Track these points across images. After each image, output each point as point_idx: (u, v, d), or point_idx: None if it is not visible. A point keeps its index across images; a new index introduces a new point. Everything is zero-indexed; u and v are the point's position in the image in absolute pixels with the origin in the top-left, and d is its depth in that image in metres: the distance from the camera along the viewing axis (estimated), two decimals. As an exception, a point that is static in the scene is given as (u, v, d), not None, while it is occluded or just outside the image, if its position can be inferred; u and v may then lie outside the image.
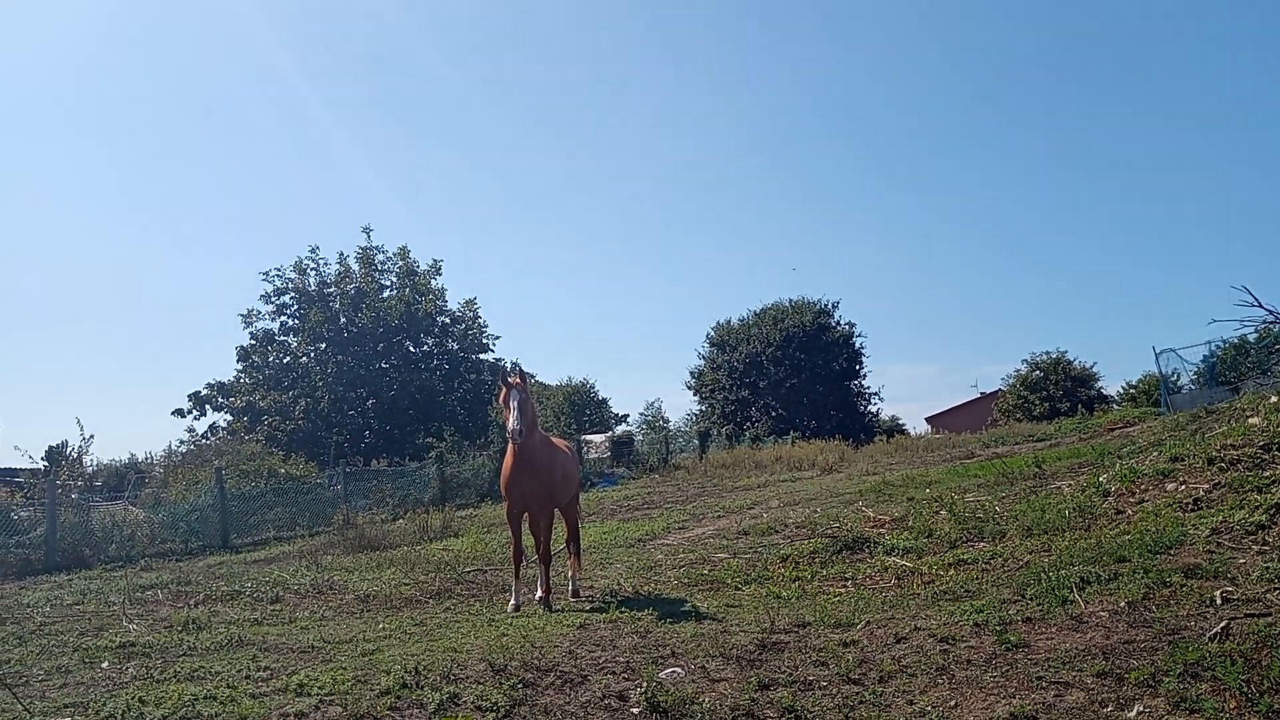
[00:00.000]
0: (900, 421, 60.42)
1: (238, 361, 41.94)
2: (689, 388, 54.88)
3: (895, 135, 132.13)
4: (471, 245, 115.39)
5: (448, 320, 44.32)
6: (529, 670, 6.36)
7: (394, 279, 43.64)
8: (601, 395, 61.83)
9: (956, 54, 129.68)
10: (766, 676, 6.07)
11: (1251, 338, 27.11)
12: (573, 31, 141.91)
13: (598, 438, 52.98)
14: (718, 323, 54.13)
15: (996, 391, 53.52)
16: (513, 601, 9.45)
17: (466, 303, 45.03)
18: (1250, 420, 12.51)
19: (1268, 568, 7.00)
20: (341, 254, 42.89)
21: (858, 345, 52.74)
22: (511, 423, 8.97)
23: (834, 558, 10.73)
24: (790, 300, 52.72)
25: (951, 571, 8.95)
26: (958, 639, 6.55)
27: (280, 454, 33.24)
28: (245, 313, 41.85)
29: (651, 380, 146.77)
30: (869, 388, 54.60)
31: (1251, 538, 7.97)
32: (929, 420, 63.50)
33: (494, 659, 6.54)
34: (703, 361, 54.71)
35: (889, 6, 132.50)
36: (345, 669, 6.52)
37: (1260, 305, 21.23)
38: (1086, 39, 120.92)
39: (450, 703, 5.65)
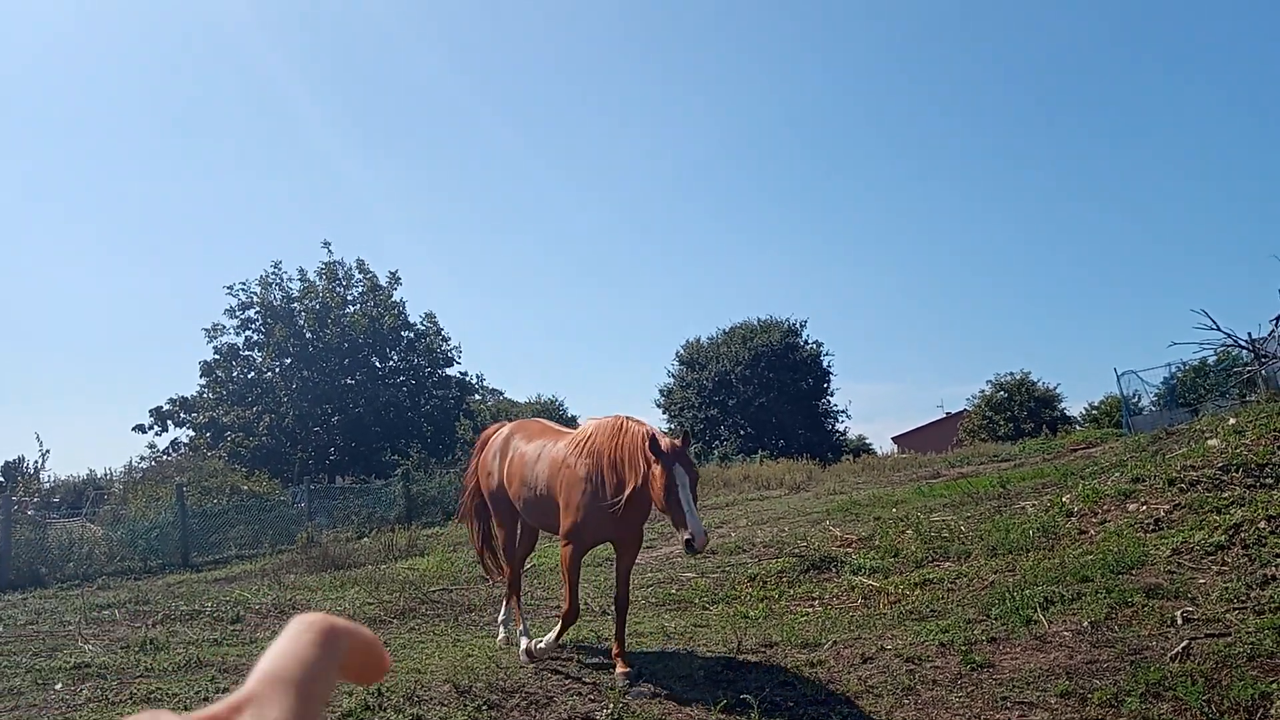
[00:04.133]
0: (867, 441, 60.86)
1: (201, 376, 41.36)
2: (658, 406, 54.98)
3: (865, 154, 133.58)
4: (430, 258, 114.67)
5: (412, 335, 44.02)
6: (494, 692, 6.30)
7: (357, 293, 43.36)
8: (570, 413, 61.78)
9: (927, 71, 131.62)
10: (733, 697, 6.06)
11: (1211, 360, 27.65)
12: (540, 42, 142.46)
13: (566, 456, 52.81)
14: (687, 341, 54.38)
15: (962, 411, 54.06)
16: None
17: (427, 316, 44.76)
18: (1209, 442, 12.72)
19: (1227, 588, 7.11)
20: (302, 270, 42.58)
21: (826, 364, 53.20)
22: (688, 526, 5.86)
23: (801, 577, 10.73)
24: (759, 319, 53.06)
25: (917, 591, 8.99)
26: (924, 659, 6.57)
27: (244, 471, 32.75)
28: (210, 327, 41.34)
29: (621, 398, 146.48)
30: (836, 406, 55.00)
31: (1211, 558, 8.08)
32: (895, 440, 63.98)
33: (458, 680, 6.47)
34: (672, 379, 54.80)
35: (861, 27, 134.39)
36: (306, 691, 6.41)
37: (1219, 329, 21.76)
38: (1056, 55, 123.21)
39: (413, 725, 5.58)
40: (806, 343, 52.78)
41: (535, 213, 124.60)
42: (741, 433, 47.46)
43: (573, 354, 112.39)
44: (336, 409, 40.76)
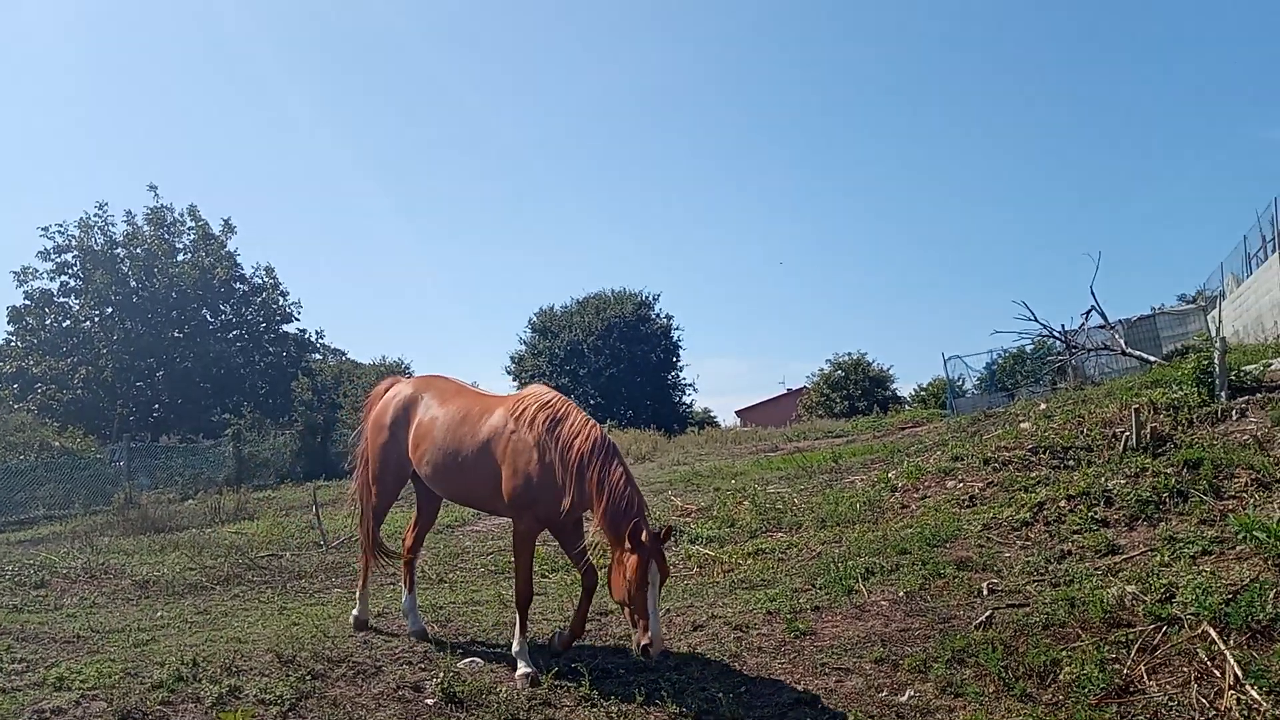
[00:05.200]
0: (712, 414, 62.22)
1: (9, 323, 38.01)
2: (508, 373, 54.40)
3: (721, 134, 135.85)
4: (269, 210, 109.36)
5: (247, 289, 41.80)
6: (320, 661, 6.11)
7: (187, 241, 40.81)
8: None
9: (785, 53, 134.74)
10: (565, 665, 6.09)
11: (1028, 349, 29.72)
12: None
13: (410, 420, 51.61)
14: (541, 308, 53.94)
15: (802, 388, 56.00)
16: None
17: (266, 270, 42.58)
18: (1022, 425, 13.66)
19: (1029, 561, 7.65)
20: (129, 213, 39.69)
21: (676, 338, 53.96)
22: (649, 630, 5.30)
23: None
24: (613, 290, 53.20)
25: (750, 560, 9.27)
26: (751, 626, 6.80)
27: (55, 426, 30.50)
28: (19, 270, 38.01)
29: (471, 363, 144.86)
30: (684, 380, 55.85)
31: (1017, 533, 8.68)
32: (738, 413, 65.82)
33: (282, 649, 6.23)
34: (524, 347, 54.35)
35: (715, 5, 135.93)
36: (114, 660, 6.04)
37: (1036, 320, 23.36)
38: (899, 47, 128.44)
39: (230, 696, 5.35)
40: (658, 316, 53.34)
41: (387, 169, 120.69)
42: (591, 402, 47.58)
43: (421, 317, 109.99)
44: (162, 363, 38.37)
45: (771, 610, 7.14)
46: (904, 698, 5.26)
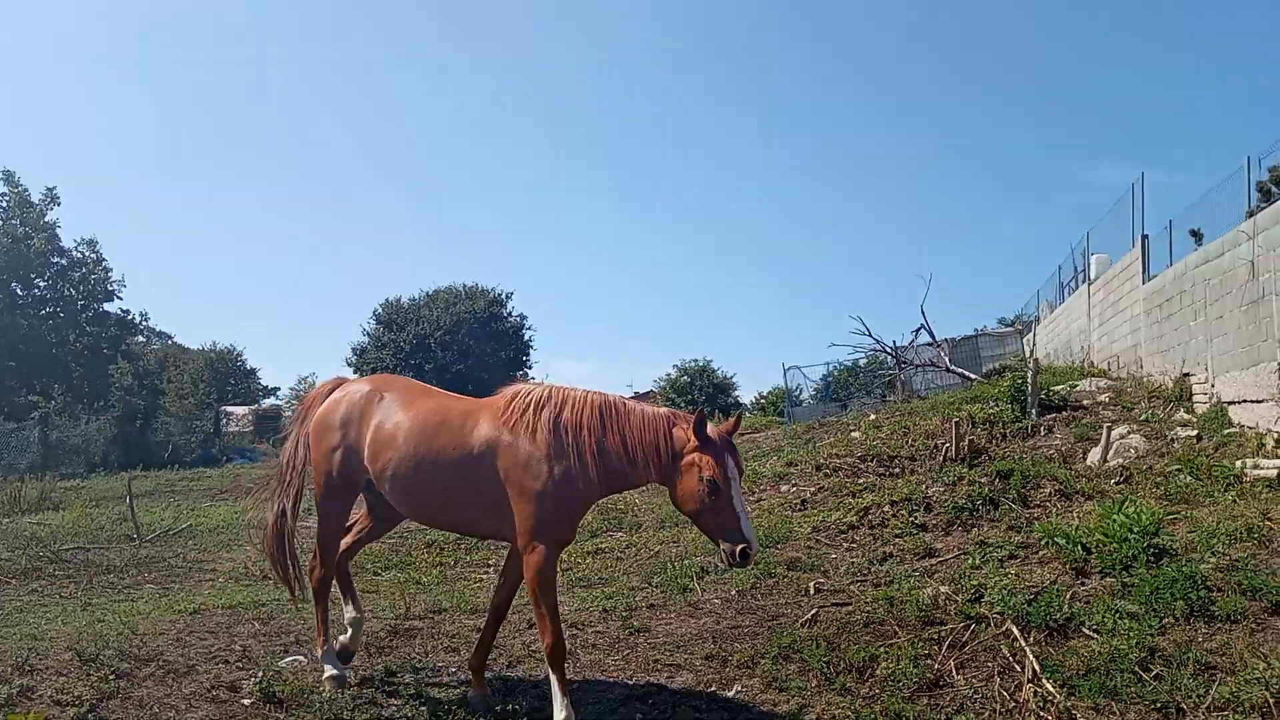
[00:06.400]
0: (559, 415, 62.15)
1: None
2: (350, 365, 52.52)
3: (570, 136, 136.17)
4: (93, 179, 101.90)
5: (65, 262, 38.75)
6: (126, 660, 5.72)
7: (1, 207, 37.54)
8: (250, 365, 57.69)
9: (628, 54, 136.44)
10: (395, 663, 5.94)
11: (862, 362, 31.15)
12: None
13: (240, 410, 49.26)
14: (387, 299, 52.38)
15: (649, 392, 56.84)
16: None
17: (87, 243, 39.58)
18: (853, 434, 14.32)
19: (854, 563, 8.01)
20: (-65, 175, 36.25)
21: (527, 338, 53.63)
22: (744, 533, 4.69)
23: (479, 544, 10.74)
24: (465, 285, 52.35)
25: (590, 559, 9.30)
26: (587, 624, 6.83)
27: None
28: None
29: (309, 353, 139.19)
30: (535, 379, 55.71)
31: (844, 536, 9.07)
32: (585, 415, 65.89)
33: (83, 648, 5.81)
34: (367, 338, 52.69)
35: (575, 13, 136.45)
36: (-117, 661, 5.47)
37: (870, 335, 24.53)
38: (756, 53, 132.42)
39: (21, 697, 4.94)
40: (510, 315, 52.86)
41: (223, 147, 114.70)
42: (435, 398, 46.79)
43: (256, 302, 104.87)
44: (-40, 338, 35.14)
45: (608, 608, 7.19)
46: (731, 693, 5.39)
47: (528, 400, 5.13)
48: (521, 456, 4.95)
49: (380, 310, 51.55)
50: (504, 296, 52.78)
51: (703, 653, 6.05)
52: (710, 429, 4.80)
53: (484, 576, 9.07)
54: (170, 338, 55.17)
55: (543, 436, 4.95)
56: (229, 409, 47.18)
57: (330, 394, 6.00)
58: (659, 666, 5.90)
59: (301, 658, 6.07)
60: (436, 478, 5.21)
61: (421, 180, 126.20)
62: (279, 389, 58.15)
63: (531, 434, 4.97)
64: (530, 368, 54.35)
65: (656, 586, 7.81)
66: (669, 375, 52.95)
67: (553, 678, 4.79)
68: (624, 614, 6.91)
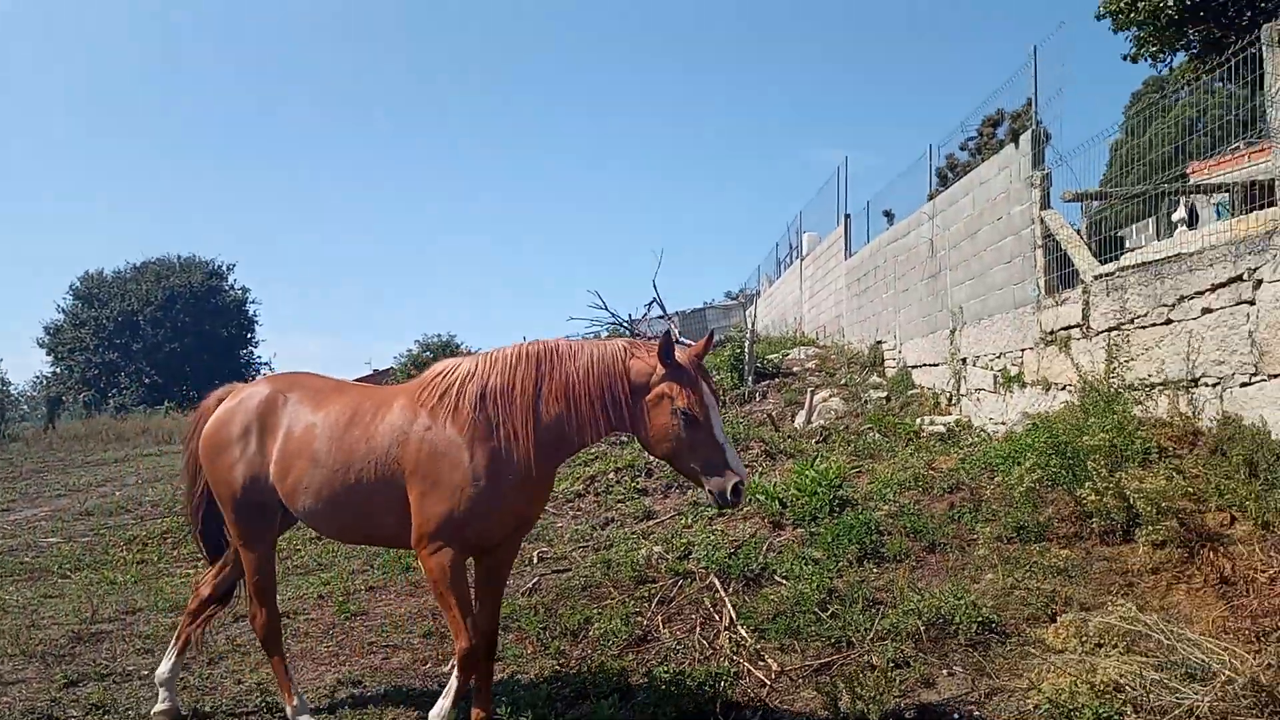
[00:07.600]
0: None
1: None
2: (41, 345, 46.98)
3: (307, 110, 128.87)
4: None
5: None
6: None
7: None
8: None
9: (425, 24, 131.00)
10: (77, 672, 5.46)
11: (602, 335, 31.90)
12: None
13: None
14: (86, 272, 47.08)
15: (389, 369, 55.13)
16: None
17: None
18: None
19: (577, 530, 8.24)
20: None
21: (252, 312, 50.26)
22: (731, 465, 3.99)
23: (188, 538, 10.03)
24: (179, 257, 48.16)
25: (309, 545, 8.94)
26: (300, 612, 6.62)
27: None
28: None
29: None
30: (260, 358, 52.19)
31: (570, 504, 9.30)
32: (322, 394, 62.90)
33: None
34: (63, 316, 47.26)
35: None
36: None
37: (606, 309, 25.14)
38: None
39: None
40: (232, 288, 49.30)
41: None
42: (147, 380, 42.75)
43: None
44: None
45: (324, 594, 7.00)
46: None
47: (454, 375, 4.31)
48: (440, 444, 4.13)
49: (78, 284, 46.52)
50: (225, 269, 49.23)
51: (421, 630, 6.02)
52: (679, 352, 4.09)
53: (190, 572, 8.46)
54: None
55: (465, 416, 4.13)
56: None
57: (218, 406, 5.02)
58: (376, 648, 5.82)
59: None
60: (350, 489, 4.33)
61: (122, 138, 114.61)
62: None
63: (452, 414, 4.16)
64: (255, 345, 51.20)
65: (378, 568, 7.66)
66: (410, 351, 51.59)
67: (453, 679, 4.37)
68: (340, 599, 6.74)
